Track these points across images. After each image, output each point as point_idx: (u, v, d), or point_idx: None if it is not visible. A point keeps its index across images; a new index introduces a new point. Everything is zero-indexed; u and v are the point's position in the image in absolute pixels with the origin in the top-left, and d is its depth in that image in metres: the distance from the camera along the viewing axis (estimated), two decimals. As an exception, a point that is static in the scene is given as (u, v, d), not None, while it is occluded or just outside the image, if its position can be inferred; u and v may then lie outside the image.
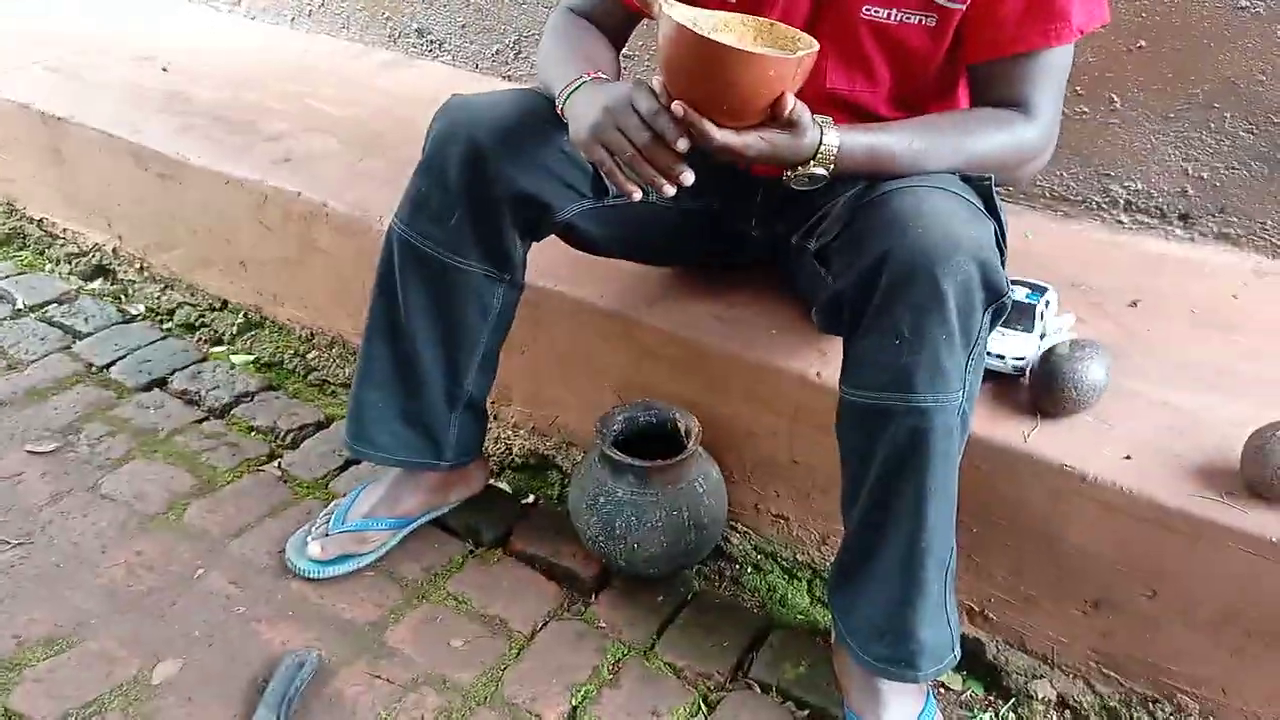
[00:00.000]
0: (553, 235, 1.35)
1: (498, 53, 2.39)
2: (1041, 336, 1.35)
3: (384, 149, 1.98)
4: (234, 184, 1.88)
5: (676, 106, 1.02)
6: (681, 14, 1.02)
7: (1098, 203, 1.74)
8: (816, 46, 1.03)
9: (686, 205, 1.37)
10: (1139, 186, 1.70)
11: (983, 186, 1.18)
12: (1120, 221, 1.74)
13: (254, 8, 2.79)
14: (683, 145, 1.04)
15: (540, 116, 1.24)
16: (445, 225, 1.28)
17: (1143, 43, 1.62)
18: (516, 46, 2.35)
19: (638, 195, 1.09)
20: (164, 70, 2.36)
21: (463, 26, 2.42)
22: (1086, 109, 1.69)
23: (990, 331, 1.13)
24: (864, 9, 1.19)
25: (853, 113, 1.26)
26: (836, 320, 1.17)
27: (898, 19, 1.19)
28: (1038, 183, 1.78)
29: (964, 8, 1.17)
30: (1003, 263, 1.24)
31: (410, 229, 1.30)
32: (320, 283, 1.86)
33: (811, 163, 1.09)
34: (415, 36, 2.52)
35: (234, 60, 2.48)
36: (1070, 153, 1.72)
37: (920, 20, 1.19)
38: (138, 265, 2.16)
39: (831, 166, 1.10)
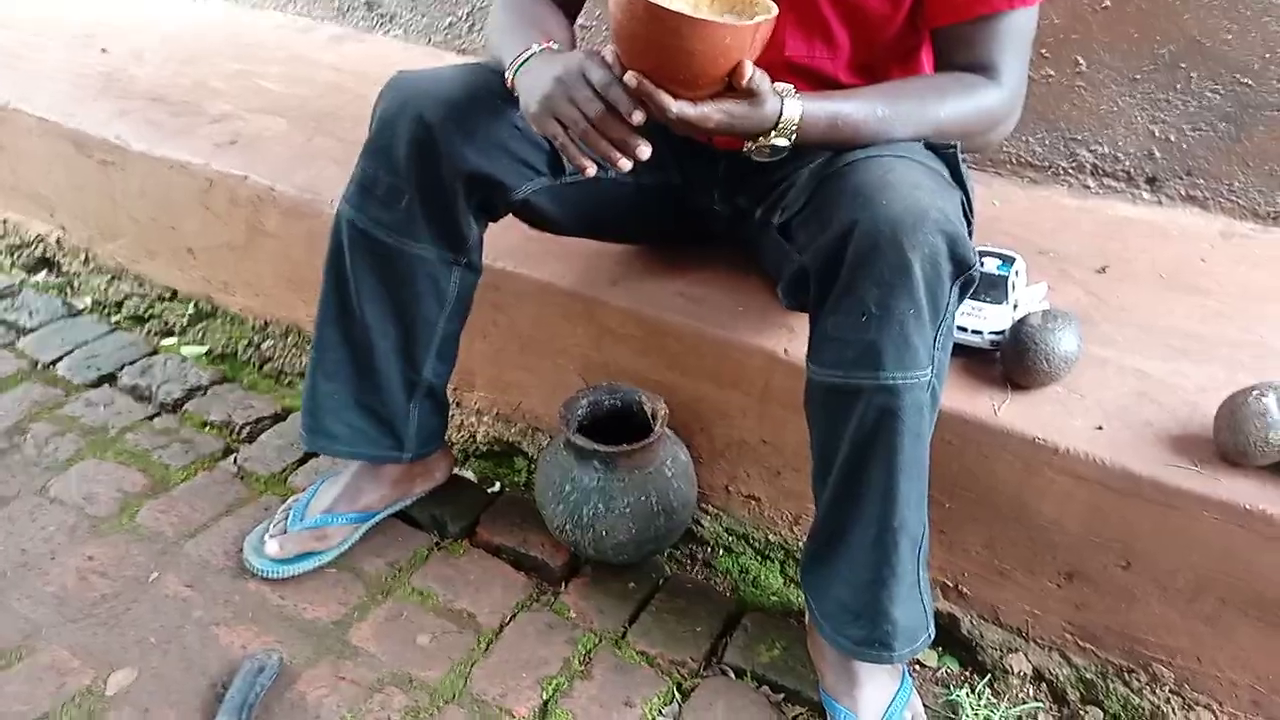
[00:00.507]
0: (510, 215, 1.31)
1: (450, 25, 2.32)
2: (1014, 307, 1.32)
3: (334, 127, 1.92)
4: (178, 168, 1.81)
5: (630, 77, 0.98)
6: None
7: (1064, 168, 1.72)
8: (775, 11, 0.99)
9: (647, 181, 1.34)
10: (1105, 150, 1.68)
11: (948, 155, 1.15)
12: (1087, 186, 1.72)
13: (196, -17, 2.69)
14: (638, 118, 1.00)
15: (491, 91, 1.19)
16: (395, 208, 1.23)
17: (1108, 2, 1.58)
18: (470, 19, 2.28)
19: (592, 170, 1.05)
20: (104, 51, 2.28)
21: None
22: (1052, 72, 1.66)
23: (959, 305, 1.10)
24: None
25: (813, 80, 1.22)
26: (802, 296, 1.14)
27: None
28: (1004, 149, 1.75)
29: None
30: (970, 233, 1.21)
31: (359, 213, 1.25)
32: (271, 269, 1.80)
33: (773, 133, 1.05)
34: (365, 10, 2.44)
35: (177, 38, 2.39)
36: (1036, 118, 1.70)
37: None
38: (82, 256, 2.09)
39: (794, 137, 1.06)
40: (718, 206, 1.39)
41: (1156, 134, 1.63)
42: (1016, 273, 1.35)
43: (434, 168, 1.20)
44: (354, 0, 2.45)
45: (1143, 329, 1.37)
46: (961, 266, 1.04)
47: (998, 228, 1.58)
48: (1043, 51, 1.64)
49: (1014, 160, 1.76)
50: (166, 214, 1.88)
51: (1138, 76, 1.61)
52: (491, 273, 1.41)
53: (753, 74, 0.98)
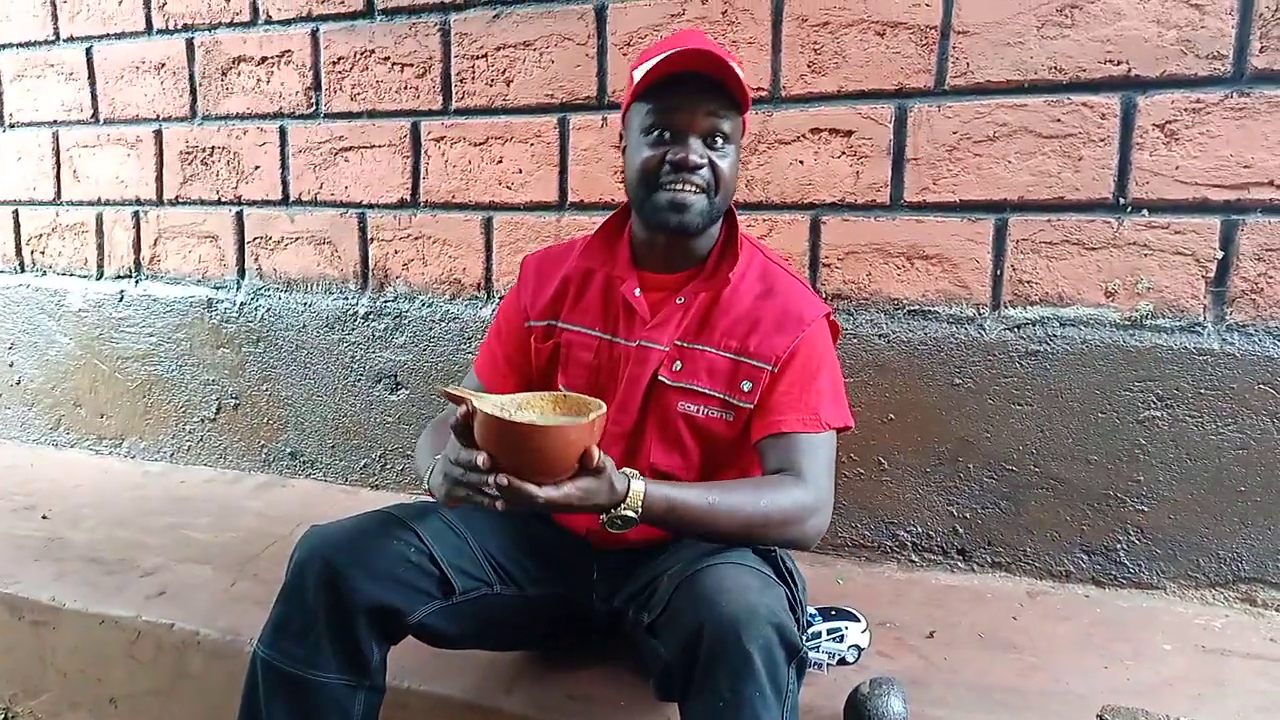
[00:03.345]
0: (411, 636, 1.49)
1: (364, 467, 2.65)
2: (866, 629, 1.66)
3: (258, 570, 2.12)
4: (109, 623, 1.96)
5: (501, 478, 1.22)
6: (489, 405, 1.26)
7: (890, 547, 2.03)
8: (604, 408, 1.28)
9: (531, 593, 1.56)
10: (919, 530, 2.00)
11: (771, 557, 1.42)
12: (913, 560, 2.02)
13: (134, 448, 3.01)
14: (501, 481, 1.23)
15: (388, 534, 1.44)
16: (305, 642, 1.39)
17: (892, 415, 2.00)
18: (382, 460, 2.62)
19: (501, 505, 1.26)
20: (44, 518, 2.50)
21: (332, 447, 2.69)
22: (863, 470, 2.03)
23: (799, 685, 1.30)
24: (679, 405, 1.51)
25: (666, 480, 1.51)
26: (670, 688, 1.33)
27: (704, 414, 1.51)
28: (839, 534, 2.06)
29: (752, 406, 1.49)
30: (802, 615, 1.46)
31: (271, 650, 1.40)
32: (191, 711, 1.90)
33: (623, 506, 1.31)
34: (289, 459, 2.76)
35: (113, 499, 2.64)
36: (858, 507, 2.03)
37: (721, 415, 1.51)
38: (2, 715, 2.15)
39: (640, 509, 1.32)
40: (598, 607, 1.61)
41: (955, 513, 1.97)
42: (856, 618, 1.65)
43: (340, 605, 1.39)
44: (279, 451, 2.78)
45: (968, 687, 1.58)
46: (792, 651, 1.25)
47: (844, 602, 1.82)
48: (852, 455, 2.02)
49: (849, 543, 2.06)
50: (93, 667, 2.00)
51: (928, 470, 1.98)
52: (398, 692, 1.56)
53: (599, 456, 1.24)
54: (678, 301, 1.53)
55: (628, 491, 1.31)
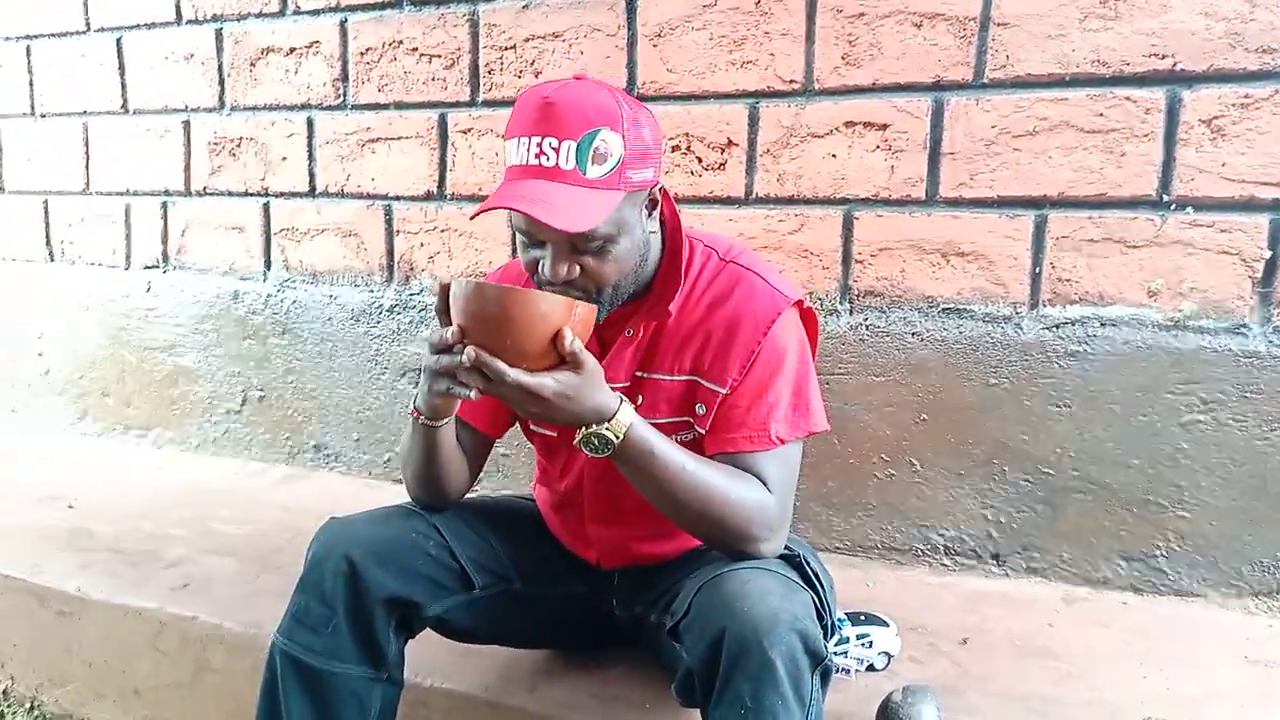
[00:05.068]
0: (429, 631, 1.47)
1: (388, 460, 2.64)
2: (897, 635, 1.62)
3: (281, 563, 2.12)
4: (133, 614, 1.97)
5: (469, 350, 1.16)
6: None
7: (922, 550, 1.99)
8: (595, 306, 1.24)
9: (551, 592, 1.55)
10: (952, 533, 1.96)
11: (795, 560, 1.38)
12: (945, 564, 1.97)
13: (160, 438, 3.02)
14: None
15: (408, 527, 1.43)
16: (323, 633, 1.38)
17: (925, 416, 1.95)
18: (406, 454, 2.60)
19: (475, 394, 1.22)
20: (70, 508, 2.51)
21: (356, 440, 2.68)
22: (894, 472, 1.99)
23: (824, 695, 1.27)
24: None
25: None
26: (692, 693, 1.30)
27: (677, 440, 1.39)
28: (870, 537, 2.02)
29: (706, 431, 1.42)
30: (831, 621, 1.42)
31: (290, 641, 1.39)
32: (213, 704, 1.90)
33: (605, 425, 1.25)
34: (313, 452, 2.76)
35: (138, 490, 2.64)
36: (890, 510, 1.99)
37: (692, 437, 1.44)
38: (28, 705, 2.15)
39: (621, 437, 1.26)
40: (619, 612, 1.59)
41: (989, 517, 1.93)
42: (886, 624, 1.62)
43: (357, 595, 1.38)
44: (303, 444, 2.77)
45: (1004, 696, 1.54)
46: (816, 659, 1.22)
47: (875, 605, 1.78)
48: (883, 456, 1.98)
49: (881, 545, 2.02)
50: (118, 658, 2.00)
51: (962, 472, 1.93)
52: (418, 690, 1.54)
53: (572, 339, 1.17)
54: (627, 334, 1.44)
55: (614, 414, 1.25)
